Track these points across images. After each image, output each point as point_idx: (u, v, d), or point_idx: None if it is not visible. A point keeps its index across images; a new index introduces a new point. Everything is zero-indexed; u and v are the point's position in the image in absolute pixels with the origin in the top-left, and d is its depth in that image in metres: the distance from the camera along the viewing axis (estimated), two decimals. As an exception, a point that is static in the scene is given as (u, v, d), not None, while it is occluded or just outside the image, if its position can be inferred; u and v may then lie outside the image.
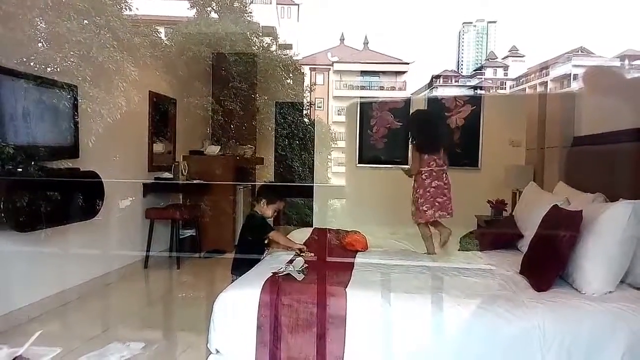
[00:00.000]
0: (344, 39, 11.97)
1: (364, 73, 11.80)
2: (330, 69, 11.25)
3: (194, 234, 5.35)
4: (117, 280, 4.37)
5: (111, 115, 3.85)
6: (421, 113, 4.42)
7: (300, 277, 2.39)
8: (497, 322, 2.05)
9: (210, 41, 5.89)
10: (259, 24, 6.97)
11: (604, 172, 3.11)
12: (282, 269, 2.44)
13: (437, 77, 12.99)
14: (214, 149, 5.81)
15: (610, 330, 2.02)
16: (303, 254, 2.83)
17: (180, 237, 5.17)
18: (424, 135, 3.36)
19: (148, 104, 4.96)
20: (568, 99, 4.11)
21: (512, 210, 4.08)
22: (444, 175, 3.25)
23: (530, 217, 3.08)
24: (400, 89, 11.63)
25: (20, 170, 3.05)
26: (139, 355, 2.73)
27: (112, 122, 3.85)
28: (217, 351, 2.21)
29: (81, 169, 3.63)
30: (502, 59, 13.10)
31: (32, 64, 3.32)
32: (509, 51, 13.00)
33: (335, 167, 7.89)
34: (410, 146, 3.35)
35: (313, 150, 7.52)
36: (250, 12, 6.73)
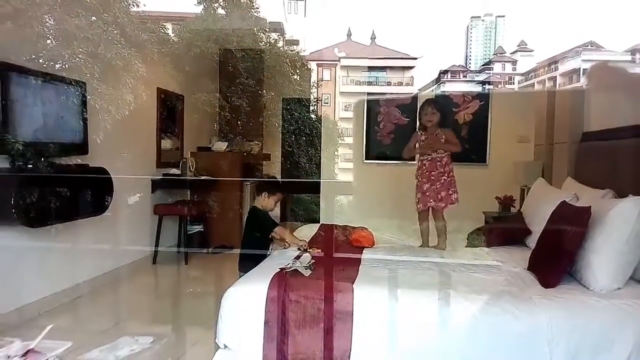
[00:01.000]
0: (351, 35, 11.92)
1: (371, 68, 11.75)
2: (337, 64, 11.21)
3: (202, 229, 5.38)
4: (127, 276, 4.41)
5: (119, 111, 3.87)
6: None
7: (307, 272, 2.40)
8: (504, 318, 2.04)
9: (217, 37, 5.90)
10: (266, 19, 6.96)
11: (613, 168, 3.09)
12: (289, 265, 2.45)
13: (445, 72, 12.91)
14: (221, 145, 5.83)
15: (618, 326, 2.01)
16: (308, 251, 2.83)
17: (189, 232, 5.21)
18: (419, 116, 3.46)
19: (156, 100, 4.99)
20: (577, 94, 4.07)
21: (520, 207, 4.07)
22: (437, 163, 3.30)
23: (538, 213, 3.06)
24: (407, 84, 11.57)
25: (30, 166, 3.08)
26: (149, 349, 2.76)
27: (120, 119, 3.88)
28: (225, 346, 2.22)
29: (90, 165, 3.66)
30: (511, 53, 12.99)
31: (40, 60, 3.35)
32: (518, 46, 12.88)
33: (342, 163, 7.88)
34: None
35: (320, 147, 7.52)
36: (257, 8, 6.71)
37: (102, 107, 3.76)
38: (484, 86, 12.83)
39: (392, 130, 5.52)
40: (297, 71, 7.28)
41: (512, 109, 5.36)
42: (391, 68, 11.84)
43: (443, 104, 3.55)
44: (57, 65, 3.46)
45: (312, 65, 9.02)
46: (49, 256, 3.51)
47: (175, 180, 5.14)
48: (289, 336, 2.14)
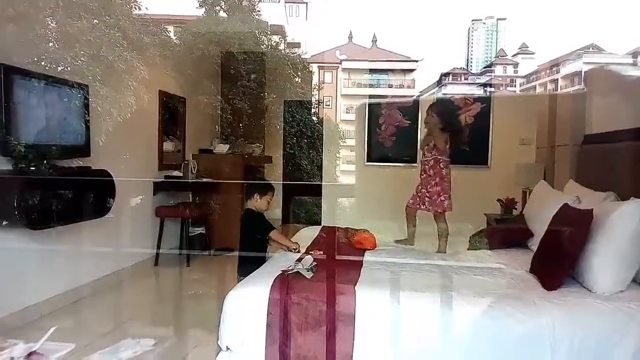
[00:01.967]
0: (352, 37, 11.95)
1: (372, 71, 11.77)
2: (338, 67, 11.23)
3: (204, 231, 5.39)
4: (129, 278, 4.41)
5: (122, 114, 3.88)
6: None
7: (309, 275, 2.40)
8: (506, 321, 2.04)
9: (219, 40, 5.92)
10: (267, 22, 6.98)
11: (615, 171, 3.09)
12: (291, 267, 2.45)
13: (446, 74, 12.93)
14: (223, 148, 5.84)
15: (621, 329, 2.01)
16: (310, 253, 2.81)
17: (190, 234, 5.21)
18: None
19: (158, 103, 5.00)
20: (578, 97, 4.07)
21: (522, 209, 4.06)
22: (425, 166, 3.35)
23: (540, 215, 3.06)
24: (409, 86, 11.59)
25: (33, 168, 3.09)
26: (151, 351, 2.76)
27: (122, 121, 3.89)
28: (228, 348, 2.22)
29: (93, 168, 3.67)
30: (512, 56, 13.00)
31: (43, 63, 3.36)
32: (519, 48, 12.90)
33: (343, 165, 7.89)
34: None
35: (321, 149, 7.53)
36: (259, 11, 6.74)
37: (104, 109, 3.77)
38: (485, 88, 12.84)
39: (393, 132, 5.53)
40: (299, 74, 7.29)
41: (513, 111, 5.37)
42: (392, 70, 11.86)
43: (445, 109, 3.54)
44: (59, 68, 3.47)
45: (314, 67, 9.04)
46: (52, 258, 3.52)
47: (177, 183, 5.14)
48: (291, 338, 2.14)
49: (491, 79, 12.90)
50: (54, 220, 3.21)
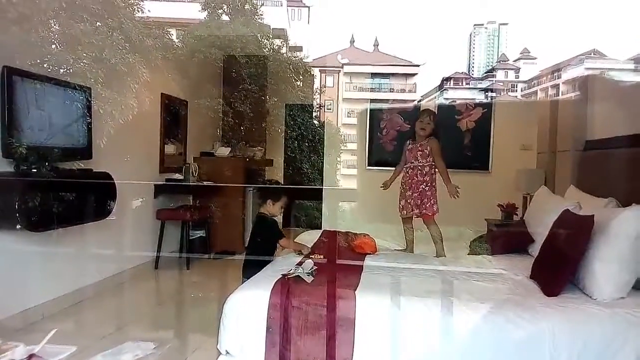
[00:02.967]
0: (354, 41, 11.96)
1: (374, 75, 11.79)
2: (340, 70, 11.24)
3: (204, 234, 5.39)
4: (129, 280, 4.41)
5: (123, 116, 3.89)
6: None
7: (309, 279, 2.40)
8: (506, 327, 2.04)
9: (221, 43, 5.94)
10: (269, 26, 7.00)
11: (616, 177, 3.09)
12: (291, 271, 2.45)
13: (448, 79, 12.94)
14: (224, 151, 5.84)
15: (621, 336, 2.00)
16: (310, 257, 2.83)
17: (190, 237, 5.21)
18: None
19: (160, 105, 5.01)
20: (580, 102, 4.08)
21: (523, 214, 4.06)
22: (418, 172, 3.39)
23: (541, 221, 3.06)
24: (410, 91, 11.60)
25: (34, 170, 3.09)
26: (152, 354, 2.76)
27: (124, 124, 3.90)
28: (227, 352, 2.22)
29: (94, 170, 3.67)
30: (514, 61, 13.01)
31: (45, 65, 3.37)
32: (521, 53, 12.91)
33: (344, 170, 7.89)
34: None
35: (323, 153, 7.53)
36: (261, 15, 6.76)
37: (106, 111, 3.78)
38: (486, 93, 12.85)
39: (394, 137, 5.54)
40: (300, 77, 7.31)
41: (514, 116, 5.37)
42: (394, 75, 11.88)
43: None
44: (62, 70, 3.48)
45: (315, 71, 9.05)
46: (53, 260, 3.52)
47: (178, 186, 5.15)
48: (291, 342, 2.14)
49: (493, 83, 12.91)
50: (54, 222, 3.21)
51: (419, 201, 3.36)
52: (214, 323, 2.32)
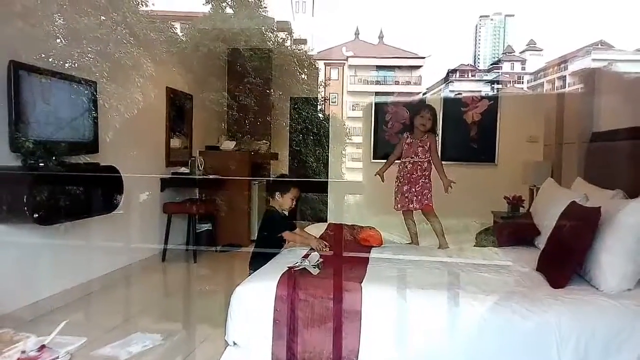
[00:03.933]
0: (358, 34, 11.90)
1: (379, 67, 11.73)
2: (344, 63, 11.20)
3: (210, 228, 5.41)
4: (137, 273, 4.45)
5: (129, 110, 3.91)
6: None
7: (315, 271, 2.41)
8: (513, 319, 2.04)
9: (225, 37, 5.93)
10: (273, 19, 6.98)
11: (623, 168, 3.06)
12: (297, 264, 2.46)
13: (454, 71, 12.85)
14: (229, 145, 5.85)
15: (628, 328, 2.00)
16: (320, 250, 2.80)
17: (197, 231, 5.24)
18: None
19: (165, 99, 5.02)
20: (586, 94, 4.05)
21: (529, 207, 4.05)
22: (417, 166, 3.41)
23: (547, 213, 3.05)
24: (415, 83, 11.54)
25: (42, 165, 3.12)
26: (159, 345, 2.79)
27: (130, 118, 3.92)
28: (235, 343, 2.24)
29: (101, 164, 3.69)
30: (520, 52, 12.90)
31: (50, 59, 3.38)
32: (527, 45, 12.79)
33: (349, 163, 7.88)
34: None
35: (327, 146, 7.52)
36: (265, 7, 6.73)
37: (111, 106, 3.80)
38: (492, 85, 12.77)
39: (399, 129, 5.52)
40: (305, 70, 7.29)
41: (521, 108, 5.34)
42: (399, 67, 11.82)
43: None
44: (67, 65, 3.50)
45: (320, 64, 9.02)
46: (62, 253, 3.56)
47: (184, 179, 5.17)
48: (297, 334, 2.15)
49: (499, 75, 12.81)
50: (63, 216, 3.24)
51: (420, 195, 3.38)
52: (221, 315, 2.34)
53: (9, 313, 3.03)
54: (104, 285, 3.95)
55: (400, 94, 11.35)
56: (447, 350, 2.08)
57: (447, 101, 5.71)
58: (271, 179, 3.07)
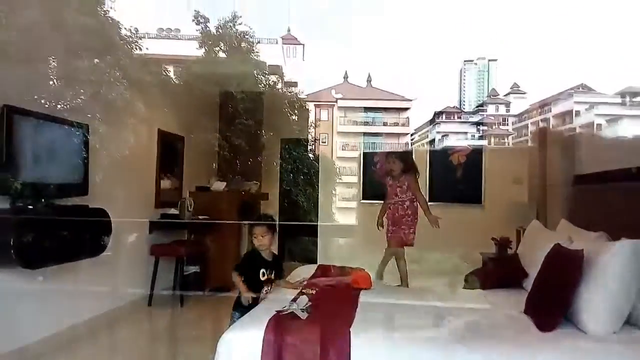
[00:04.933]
0: (347, 77, 12.22)
1: (367, 109, 11.99)
2: (334, 105, 11.44)
3: (198, 270, 5.34)
4: (123, 317, 4.34)
5: (120, 152, 3.93)
6: None
7: (304, 315, 2.39)
8: (501, 364, 2.03)
9: (218, 79, 6.06)
10: (265, 63, 7.15)
11: (606, 211, 3.13)
12: (286, 307, 2.44)
13: (440, 113, 13.16)
14: (219, 185, 5.86)
15: (615, 372, 2.00)
16: (304, 291, 2.79)
17: (185, 273, 5.16)
18: None
19: (157, 141, 5.06)
20: (569, 137, 4.17)
21: (517, 248, 4.08)
22: (399, 206, 3.63)
23: (534, 255, 3.08)
24: (403, 124, 11.78)
25: (30, 207, 3.10)
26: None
27: (121, 159, 3.93)
28: (221, 392, 2.19)
29: (90, 206, 3.68)
30: (504, 95, 13.29)
31: (42, 101, 3.42)
32: (511, 88, 13.20)
33: (339, 202, 7.91)
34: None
35: (318, 186, 7.57)
36: (257, 52, 6.91)
37: (102, 147, 3.82)
38: (478, 127, 13.05)
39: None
40: (296, 112, 7.43)
41: (505, 149, 5.48)
42: (387, 109, 12.08)
43: (402, 154, 3.93)
44: (59, 106, 3.53)
45: (310, 106, 9.20)
46: (48, 297, 3.48)
47: (172, 221, 5.13)
48: (285, 381, 2.11)
49: (484, 117, 13.13)
50: (49, 259, 3.20)
51: (406, 231, 3.60)
52: (207, 362, 2.30)
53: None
54: (89, 330, 3.84)
55: (388, 135, 11.55)
56: (436, 397, 2.05)
57: (432, 145, 5.86)
58: (259, 222, 3.05)
